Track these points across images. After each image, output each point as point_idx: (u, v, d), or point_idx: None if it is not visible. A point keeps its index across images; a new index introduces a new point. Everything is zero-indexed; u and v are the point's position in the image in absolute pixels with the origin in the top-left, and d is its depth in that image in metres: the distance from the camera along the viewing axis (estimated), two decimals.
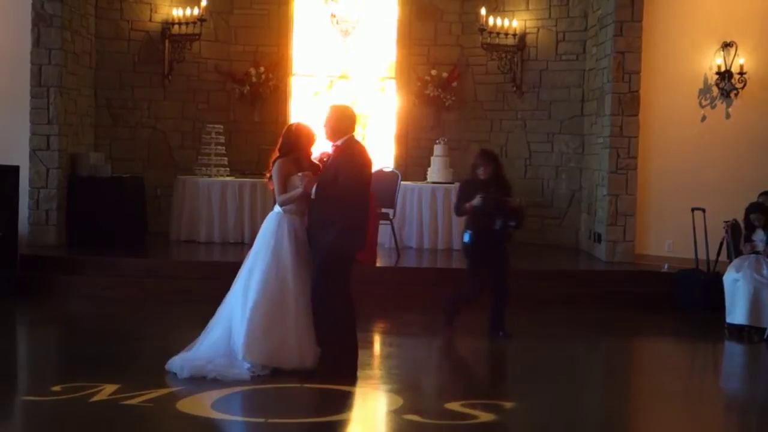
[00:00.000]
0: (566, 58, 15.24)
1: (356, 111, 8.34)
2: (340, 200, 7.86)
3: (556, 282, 12.23)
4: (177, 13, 15.10)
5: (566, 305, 11.59)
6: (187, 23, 15.01)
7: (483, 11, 14.99)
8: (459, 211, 10.12)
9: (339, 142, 8.03)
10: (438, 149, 14.83)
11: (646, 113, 13.11)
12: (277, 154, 8.22)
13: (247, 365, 7.84)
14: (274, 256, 7.98)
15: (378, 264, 12.58)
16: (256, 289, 7.94)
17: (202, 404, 7.13)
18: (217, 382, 7.62)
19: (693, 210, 12.10)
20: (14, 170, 11.90)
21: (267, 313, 7.89)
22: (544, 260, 13.88)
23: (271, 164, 8.20)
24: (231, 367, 7.84)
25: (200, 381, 7.65)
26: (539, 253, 14.39)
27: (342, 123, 8.05)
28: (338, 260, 7.94)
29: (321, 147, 8.49)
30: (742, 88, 12.89)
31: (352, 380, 7.87)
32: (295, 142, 8.19)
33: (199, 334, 8.20)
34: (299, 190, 7.98)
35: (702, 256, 11.96)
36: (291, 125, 8.39)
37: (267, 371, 7.86)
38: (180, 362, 7.88)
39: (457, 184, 14.32)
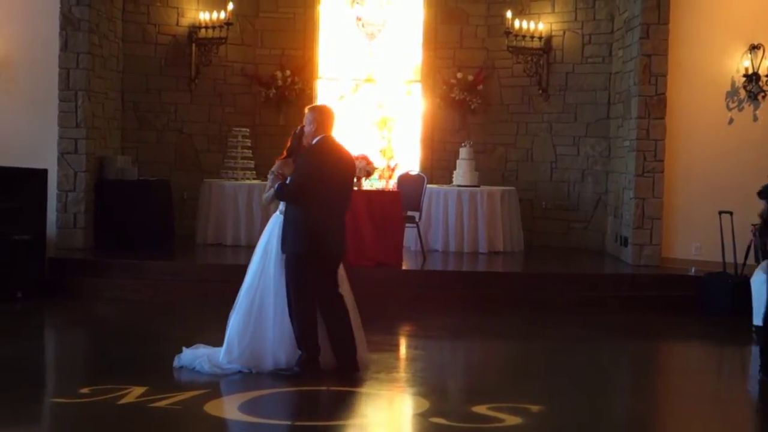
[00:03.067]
0: (592, 60, 15.21)
1: (332, 110, 8.17)
2: (291, 200, 7.92)
3: (583, 285, 12.18)
4: (203, 16, 15.18)
5: (593, 309, 11.55)
6: (213, 27, 15.08)
7: (509, 14, 14.98)
8: None
9: (314, 142, 8.06)
10: (464, 152, 14.82)
11: (673, 116, 13.06)
12: (283, 155, 8.27)
13: (230, 366, 8.00)
14: (263, 258, 8.10)
15: (404, 267, 12.57)
16: (241, 292, 8.11)
17: (229, 406, 7.16)
18: (245, 386, 7.68)
19: (720, 213, 12.04)
20: (42, 173, 11.99)
21: (244, 315, 8.02)
22: (570, 264, 13.85)
23: None
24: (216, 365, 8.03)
25: (228, 383, 7.71)
26: (565, 257, 14.37)
27: (315, 124, 8.05)
28: (297, 262, 7.88)
29: None
30: None
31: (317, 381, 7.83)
32: (298, 145, 8.23)
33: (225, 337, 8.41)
34: (272, 191, 8.05)
35: (729, 259, 11.90)
36: (297, 128, 8.39)
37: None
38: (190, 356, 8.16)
39: (483, 188, 14.34)
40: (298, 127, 8.30)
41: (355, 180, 8.70)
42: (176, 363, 8.15)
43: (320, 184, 7.85)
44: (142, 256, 12.58)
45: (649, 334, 10.75)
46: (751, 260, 11.50)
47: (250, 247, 13.63)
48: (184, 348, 8.34)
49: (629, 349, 10.06)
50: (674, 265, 12.96)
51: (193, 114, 15.53)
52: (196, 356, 8.16)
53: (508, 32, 15.00)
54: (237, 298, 8.18)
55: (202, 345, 8.39)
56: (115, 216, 13.31)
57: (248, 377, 7.94)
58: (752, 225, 11.30)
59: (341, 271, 8.24)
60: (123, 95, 14.90)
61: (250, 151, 14.68)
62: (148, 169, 14.74)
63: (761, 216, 10.13)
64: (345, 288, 8.20)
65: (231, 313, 8.16)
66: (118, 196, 13.37)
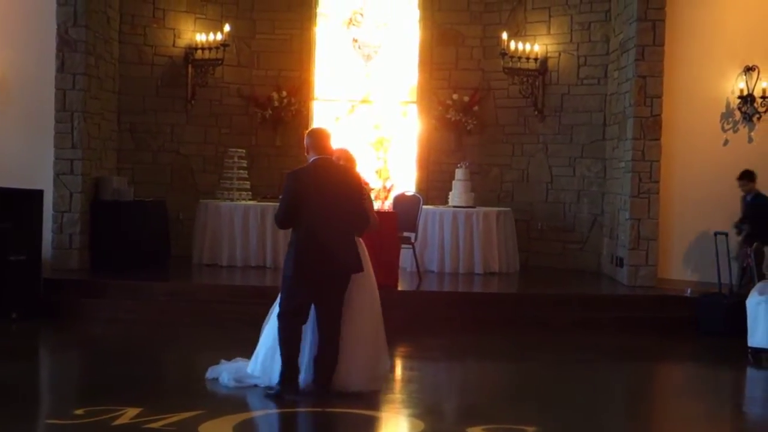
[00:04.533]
0: (588, 82, 15.25)
1: (321, 132, 8.21)
2: (278, 226, 8.33)
3: (578, 306, 12.18)
4: (200, 38, 15.23)
5: (588, 330, 11.53)
6: (209, 48, 15.14)
7: (504, 36, 15.02)
8: None
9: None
10: (459, 173, 14.85)
11: (669, 137, 13.10)
12: None
13: (249, 380, 8.26)
14: None
15: (399, 288, 12.57)
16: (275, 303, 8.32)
17: (224, 427, 7.13)
18: (240, 406, 7.69)
19: (716, 234, 12.07)
20: (38, 194, 12.00)
21: (270, 327, 8.24)
22: (565, 284, 13.85)
23: None
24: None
25: (223, 404, 7.71)
26: (560, 278, 14.37)
27: (306, 147, 8.16)
28: (285, 283, 8.05)
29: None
30: (765, 111, 12.89)
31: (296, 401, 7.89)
32: None
33: (222, 358, 8.64)
34: None
35: (725, 280, 11.91)
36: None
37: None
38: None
39: (478, 209, 14.36)
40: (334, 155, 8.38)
41: (366, 197, 8.64)
42: (209, 375, 8.42)
43: (300, 208, 7.91)
44: (137, 276, 12.57)
45: (644, 355, 10.74)
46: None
47: (246, 268, 13.85)
48: (222, 360, 8.54)
49: (624, 370, 10.05)
50: (670, 286, 12.96)
51: (190, 135, 15.56)
52: (225, 369, 8.40)
53: (504, 54, 15.04)
54: (272, 308, 8.31)
55: (240, 358, 8.57)
56: (110, 237, 13.30)
57: (243, 398, 7.95)
58: (748, 248, 11.37)
59: (370, 292, 8.32)
60: (119, 116, 14.93)
61: (246, 172, 14.70)
62: (144, 189, 14.75)
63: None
64: (367, 307, 8.27)
65: (265, 322, 8.37)
66: (113, 217, 13.37)
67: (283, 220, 8.05)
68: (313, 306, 8.01)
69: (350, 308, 8.11)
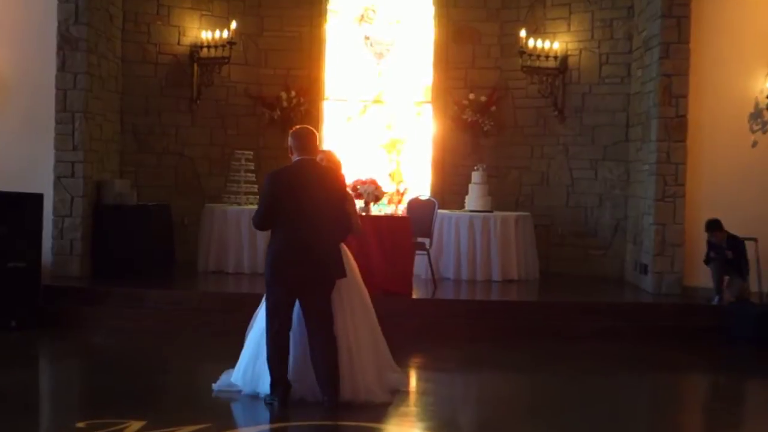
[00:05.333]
0: (610, 81, 15.24)
1: (304, 131, 8.22)
2: (255, 228, 8.42)
3: (600, 315, 12.16)
4: (206, 35, 15.27)
5: (611, 339, 11.52)
6: (216, 46, 15.17)
7: (523, 33, 15.04)
8: None
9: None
10: (476, 176, 14.85)
11: (694, 139, 13.08)
12: None
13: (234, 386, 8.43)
14: None
15: (414, 296, 12.58)
16: (258, 310, 8.44)
17: None
18: (248, 419, 7.77)
19: (744, 240, 12.05)
20: (38, 198, 12.05)
21: (254, 333, 8.41)
22: (587, 292, 13.81)
23: None
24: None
25: (231, 417, 7.77)
26: (582, 285, 14.35)
27: (291, 145, 8.21)
28: (267, 288, 8.12)
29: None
30: None
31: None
32: None
33: (227, 368, 8.66)
34: None
35: (755, 288, 11.89)
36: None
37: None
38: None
39: (496, 213, 14.38)
40: (318, 157, 8.41)
41: (349, 201, 8.68)
42: (216, 386, 8.55)
43: (279, 209, 7.96)
44: (140, 284, 12.60)
45: (669, 366, 10.72)
46: None
47: (253, 275, 13.86)
48: (226, 370, 8.66)
49: (649, 382, 10.03)
50: (696, 293, 12.93)
51: (195, 136, 15.61)
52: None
53: (522, 52, 15.05)
54: (255, 314, 8.39)
55: None
56: (113, 242, 13.35)
57: (251, 410, 7.98)
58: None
59: (360, 299, 8.39)
60: (122, 117, 14.97)
61: (254, 175, 14.71)
62: (148, 193, 14.79)
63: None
64: (359, 313, 8.32)
65: (248, 329, 8.45)
66: (116, 222, 13.42)
67: (260, 221, 8.13)
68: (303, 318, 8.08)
69: (341, 315, 8.17)
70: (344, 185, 8.55)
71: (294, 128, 8.44)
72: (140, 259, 13.33)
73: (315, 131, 8.33)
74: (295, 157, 8.16)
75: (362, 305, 8.42)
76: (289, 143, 8.20)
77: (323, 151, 8.62)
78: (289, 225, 7.96)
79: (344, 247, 8.44)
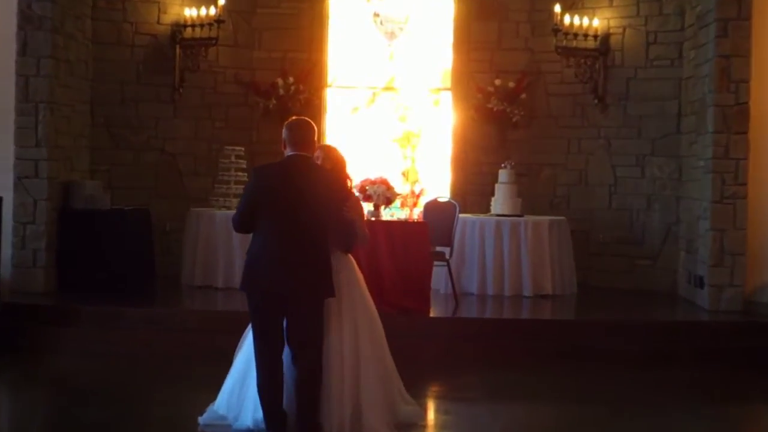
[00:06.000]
0: (659, 63, 15.21)
1: (298, 124, 8.18)
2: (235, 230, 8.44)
3: (648, 336, 12.13)
4: (190, 13, 15.27)
5: (661, 364, 11.49)
6: (201, 25, 15.18)
7: (557, 8, 15.01)
8: None
9: None
10: (503, 175, 14.81)
11: (758, 130, 13.05)
12: None
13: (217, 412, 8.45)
14: None
15: (432, 314, 12.55)
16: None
17: None
18: None
19: None
20: None
21: (242, 355, 8.44)
22: (632, 309, 13.81)
23: None
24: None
25: None
26: (627, 301, 14.34)
27: (284, 139, 8.18)
28: (247, 301, 8.09)
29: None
30: None
31: None
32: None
33: (215, 398, 8.59)
34: None
35: None
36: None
37: None
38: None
39: (527, 218, 14.35)
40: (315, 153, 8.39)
41: (354, 206, 8.64)
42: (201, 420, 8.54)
43: (261, 211, 7.91)
44: (115, 301, 12.60)
45: (730, 394, 10.68)
46: None
47: None
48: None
49: (706, 413, 9.97)
50: (760, 310, 12.90)
51: (178, 130, 15.62)
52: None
53: (557, 30, 15.03)
54: (245, 332, 8.40)
55: None
56: (83, 253, 13.34)
57: None
58: None
59: (365, 319, 8.34)
60: (93, 108, 14.98)
61: (245, 174, 14.66)
62: (123, 196, 14.80)
63: None
64: (364, 339, 8.26)
65: (237, 349, 8.49)
66: (86, 230, 13.41)
67: (238, 221, 8.12)
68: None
69: (338, 338, 8.12)
70: (346, 187, 8.49)
71: (289, 120, 8.41)
72: (115, 272, 13.31)
73: (313, 124, 8.28)
74: (287, 152, 8.13)
75: (368, 326, 8.34)
76: (283, 136, 8.17)
77: (323, 147, 8.57)
78: (270, 228, 7.92)
79: (350, 258, 8.41)
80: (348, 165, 8.64)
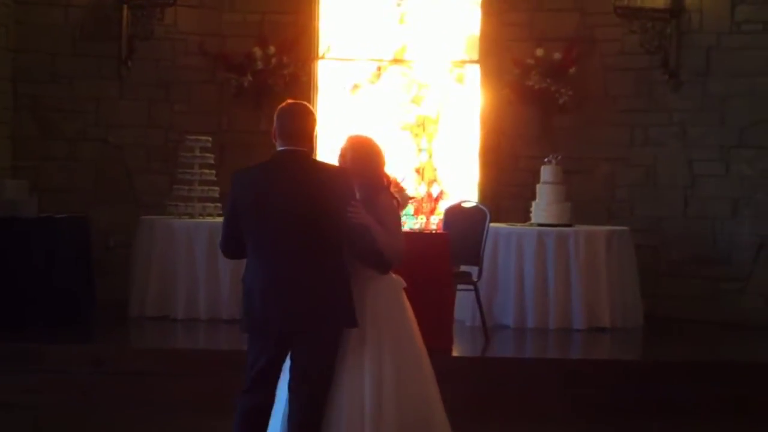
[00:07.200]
0: (748, 28, 15.20)
1: (291, 109, 8.15)
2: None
3: (733, 380, 12.11)
4: None
5: (748, 416, 11.49)
6: None
7: None
8: None
9: None
10: (547, 173, 14.80)
11: None
12: None
13: None
14: None
15: (455, 353, 12.57)
16: None
17: None
18: None
19: None
20: None
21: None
22: (714, 346, 13.84)
23: None
24: None
25: None
26: (708, 335, 14.36)
27: (274, 129, 8.17)
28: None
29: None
30: None
31: None
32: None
33: None
34: None
35: None
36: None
37: None
38: None
39: (578, 228, 14.36)
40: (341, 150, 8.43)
41: (388, 211, 8.61)
42: None
43: (244, 228, 7.94)
44: (40, 336, 12.58)
45: None
46: None
47: (214, 322, 13.82)
48: None
49: None
50: None
51: (125, 115, 15.67)
52: None
53: None
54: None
55: None
56: (1, 273, 13.34)
57: None
58: None
59: (405, 350, 8.31)
60: (15, 86, 15.04)
61: (213, 172, 14.69)
62: (54, 200, 14.80)
63: None
64: (405, 381, 8.26)
65: None
66: (6, 242, 13.41)
67: (224, 245, 8.24)
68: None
69: (364, 378, 8.07)
70: (352, 187, 8.30)
71: (282, 105, 8.39)
72: (41, 298, 13.30)
73: (312, 110, 8.27)
74: (278, 147, 8.11)
75: (407, 372, 8.29)
76: (274, 126, 8.16)
77: (351, 140, 8.46)
78: (260, 249, 7.95)
79: (392, 280, 8.39)
80: (386, 163, 8.54)
